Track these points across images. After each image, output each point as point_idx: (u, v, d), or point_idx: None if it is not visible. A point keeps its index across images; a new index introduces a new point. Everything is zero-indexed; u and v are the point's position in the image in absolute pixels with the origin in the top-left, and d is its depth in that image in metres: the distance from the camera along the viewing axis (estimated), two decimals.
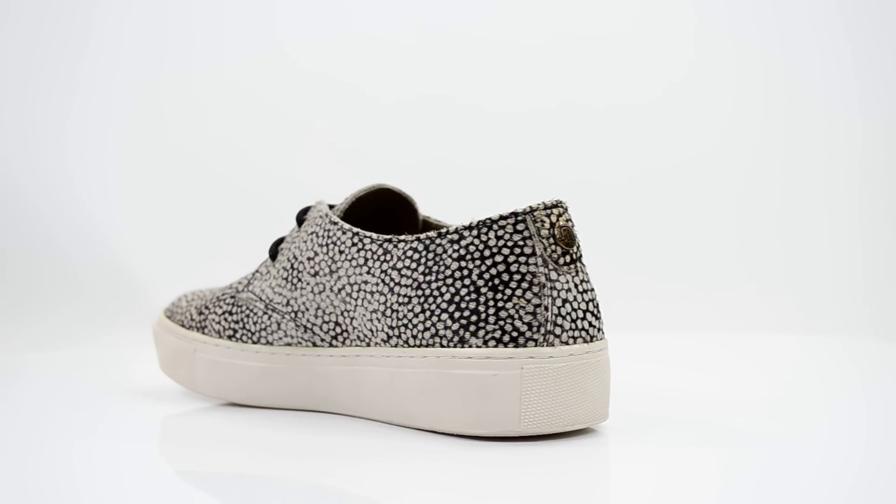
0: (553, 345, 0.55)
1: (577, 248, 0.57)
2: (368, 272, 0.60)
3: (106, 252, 1.07)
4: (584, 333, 0.56)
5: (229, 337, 0.67)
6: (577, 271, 0.57)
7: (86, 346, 0.94)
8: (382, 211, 0.67)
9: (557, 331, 0.55)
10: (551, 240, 0.56)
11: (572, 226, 0.57)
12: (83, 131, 1.14)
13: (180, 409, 0.68)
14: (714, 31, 1.21)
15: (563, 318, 0.56)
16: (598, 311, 0.57)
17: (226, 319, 0.67)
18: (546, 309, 0.56)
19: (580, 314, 0.56)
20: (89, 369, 0.85)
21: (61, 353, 0.91)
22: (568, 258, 0.57)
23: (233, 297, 0.68)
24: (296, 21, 1.18)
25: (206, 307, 0.69)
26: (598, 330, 0.57)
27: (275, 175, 1.16)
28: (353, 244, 0.61)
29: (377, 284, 0.59)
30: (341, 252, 0.62)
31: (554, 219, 0.57)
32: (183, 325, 0.69)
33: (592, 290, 0.57)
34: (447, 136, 1.18)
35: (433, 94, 1.19)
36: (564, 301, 0.56)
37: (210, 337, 0.67)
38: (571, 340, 0.56)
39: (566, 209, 0.57)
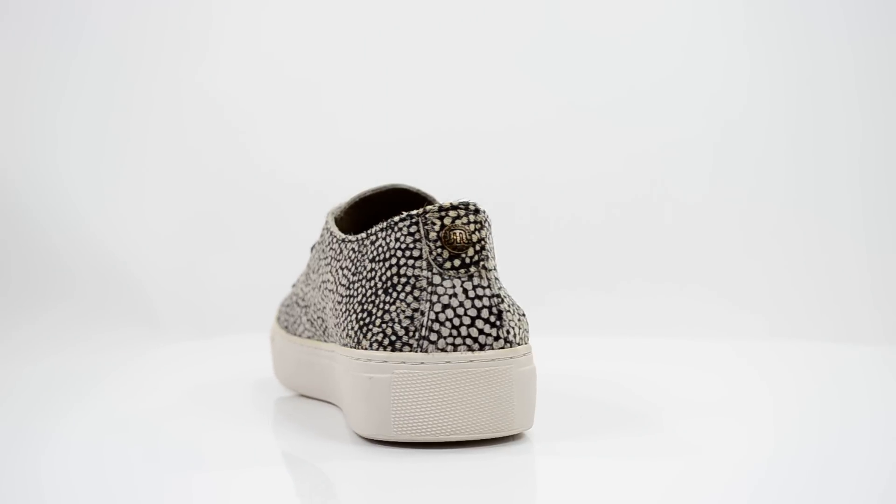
0: (426, 351, 0.54)
1: (478, 252, 0.55)
2: (329, 271, 0.62)
3: (102, 253, 1.07)
4: (469, 341, 0.54)
5: (285, 328, 0.71)
6: (470, 276, 0.54)
7: (81, 346, 0.94)
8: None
9: (433, 337, 0.54)
10: (438, 242, 0.55)
11: (475, 229, 0.55)
12: (81, 132, 1.13)
13: (189, 407, 0.69)
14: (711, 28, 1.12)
15: (442, 324, 0.54)
16: (499, 320, 0.54)
17: (285, 311, 0.72)
18: (422, 314, 0.54)
19: (466, 321, 0.54)
20: (86, 369, 0.86)
21: (61, 354, 0.91)
22: (457, 262, 0.54)
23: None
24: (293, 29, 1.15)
25: (287, 299, 0.74)
26: (496, 339, 0.54)
27: (274, 176, 1.11)
28: (328, 243, 0.63)
29: (332, 283, 0.61)
30: (323, 251, 0.64)
31: (448, 221, 0.55)
32: (276, 317, 0.75)
33: (493, 296, 0.54)
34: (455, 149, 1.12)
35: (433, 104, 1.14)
36: (445, 307, 0.54)
37: (279, 327, 0.73)
38: (450, 348, 0.54)
39: (472, 212, 0.55)
